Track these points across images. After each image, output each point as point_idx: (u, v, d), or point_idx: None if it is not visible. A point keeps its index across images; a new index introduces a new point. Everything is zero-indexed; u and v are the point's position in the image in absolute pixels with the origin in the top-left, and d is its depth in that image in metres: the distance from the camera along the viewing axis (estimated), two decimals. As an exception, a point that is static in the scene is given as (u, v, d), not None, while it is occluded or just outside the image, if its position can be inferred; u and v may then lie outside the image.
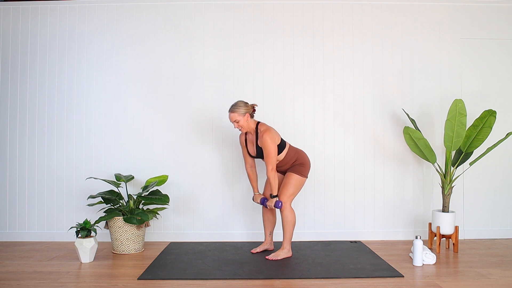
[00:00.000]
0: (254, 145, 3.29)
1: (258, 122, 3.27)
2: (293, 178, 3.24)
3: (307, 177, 3.32)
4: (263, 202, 3.34)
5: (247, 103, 3.23)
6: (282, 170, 3.37)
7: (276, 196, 3.23)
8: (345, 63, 3.99)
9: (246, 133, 3.35)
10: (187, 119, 3.95)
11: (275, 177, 3.19)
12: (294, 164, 3.29)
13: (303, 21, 3.99)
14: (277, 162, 3.28)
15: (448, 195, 3.55)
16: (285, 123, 3.92)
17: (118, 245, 3.46)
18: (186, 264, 3.12)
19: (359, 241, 3.83)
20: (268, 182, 3.44)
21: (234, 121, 3.20)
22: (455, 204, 3.95)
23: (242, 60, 3.96)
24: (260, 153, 3.27)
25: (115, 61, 3.96)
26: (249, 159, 3.42)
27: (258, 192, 3.45)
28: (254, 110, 3.28)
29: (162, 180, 3.70)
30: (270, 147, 3.14)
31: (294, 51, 3.97)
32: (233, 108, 3.19)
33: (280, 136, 3.30)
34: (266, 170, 3.22)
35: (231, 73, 3.95)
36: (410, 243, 3.78)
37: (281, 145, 3.24)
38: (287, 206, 3.22)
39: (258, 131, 3.23)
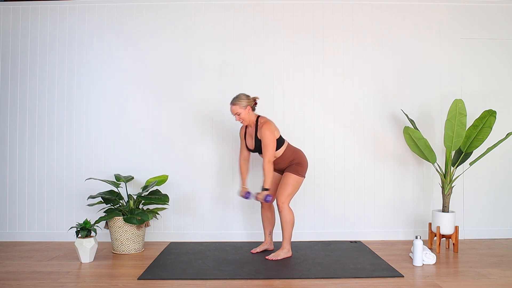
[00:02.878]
0: (253, 139, 3.30)
1: (259, 116, 3.28)
2: (291, 178, 3.23)
3: (304, 177, 3.32)
4: (247, 196, 3.32)
5: (248, 96, 3.24)
6: (279, 168, 3.36)
7: (267, 190, 3.19)
8: (345, 63, 3.99)
9: (246, 126, 3.37)
10: (187, 120, 3.95)
11: (270, 169, 3.17)
12: (291, 163, 3.29)
13: (303, 21, 3.99)
14: (275, 158, 3.28)
15: (448, 195, 3.55)
16: (285, 123, 3.92)
17: (118, 245, 3.46)
18: (186, 264, 3.12)
19: (359, 241, 3.83)
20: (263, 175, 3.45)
21: (236, 114, 3.21)
22: (455, 204, 3.95)
23: (242, 61, 3.96)
24: (258, 147, 3.26)
25: (115, 61, 3.97)
26: (245, 152, 3.42)
27: (246, 186, 3.42)
28: (256, 103, 3.29)
29: (162, 180, 3.70)
30: (269, 138, 3.14)
31: (294, 51, 3.97)
32: (234, 101, 3.19)
33: (280, 132, 3.31)
34: (262, 162, 3.19)
35: (231, 73, 3.95)
36: (410, 243, 3.78)
37: (280, 141, 3.25)
38: (286, 206, 3.22)
39: (258, 123, 3.24)
